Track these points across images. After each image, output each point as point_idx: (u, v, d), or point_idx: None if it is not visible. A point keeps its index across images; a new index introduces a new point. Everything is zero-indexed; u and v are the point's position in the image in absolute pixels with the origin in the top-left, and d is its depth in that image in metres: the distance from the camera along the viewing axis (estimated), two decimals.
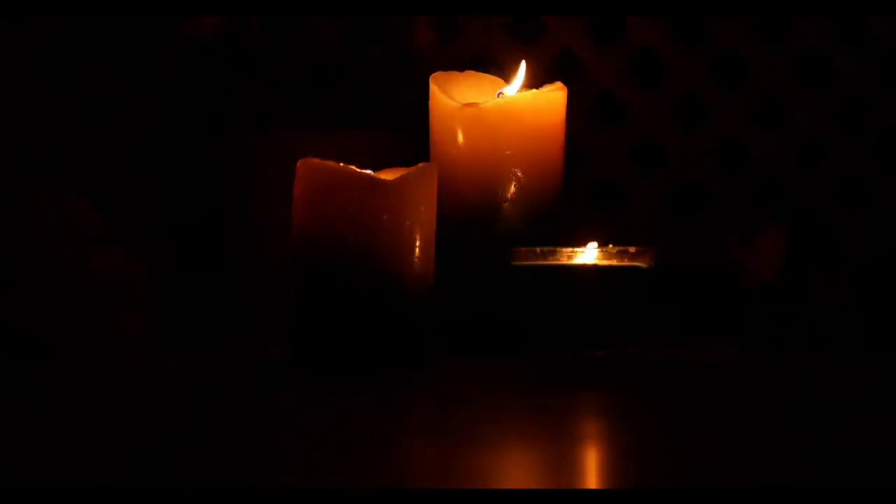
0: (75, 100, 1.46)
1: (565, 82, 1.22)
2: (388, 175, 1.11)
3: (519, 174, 1.19)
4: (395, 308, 1.08)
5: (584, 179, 1.50)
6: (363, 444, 0.78)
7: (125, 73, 1.45)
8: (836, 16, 1.48)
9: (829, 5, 1.46)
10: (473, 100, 1.21)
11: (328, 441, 0.79)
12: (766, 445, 0.77)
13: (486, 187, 1.19)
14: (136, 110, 1.46)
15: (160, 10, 1.40)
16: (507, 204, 1.19)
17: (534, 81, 1.22)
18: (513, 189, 1.19)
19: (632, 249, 1.07)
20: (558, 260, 1.07)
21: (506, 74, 1.24)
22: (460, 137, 1.19)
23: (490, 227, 1.19)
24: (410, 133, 1.28)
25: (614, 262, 1.06)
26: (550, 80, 1.22)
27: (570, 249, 1.07)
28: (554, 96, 1.20)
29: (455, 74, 1.24)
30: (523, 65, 1.22)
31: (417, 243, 1.09)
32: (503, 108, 1.19)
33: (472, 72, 1.24)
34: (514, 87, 1.22)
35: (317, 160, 1.09)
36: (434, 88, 1.21)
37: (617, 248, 1.07)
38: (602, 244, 1.07)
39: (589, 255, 1.07)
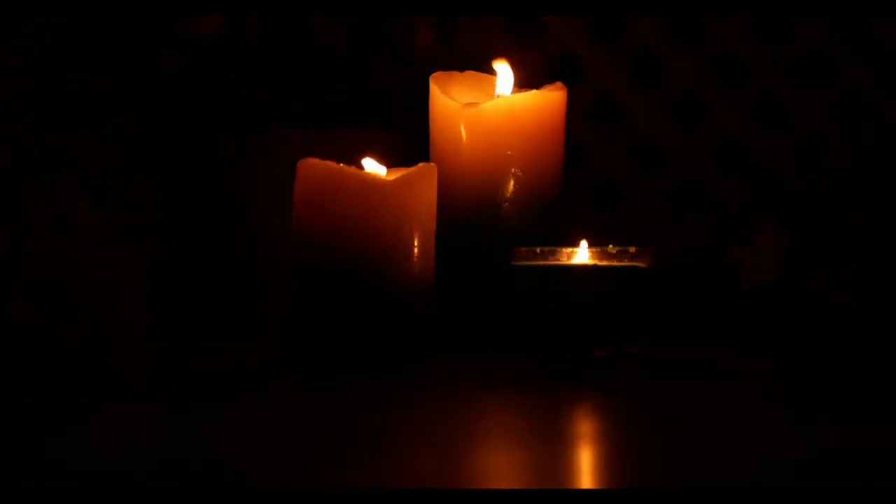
0: (75, 100, 1.46)
1: (565, 82, 1.22)
2: (388, 175, 1.11)
3: (519, 174, 1.19)
4: (394, 308, 1.08)
5: (584, 179, 1.50)
6: (363, 443, 0.78)
7: (125, 73, 1.45)
8: (836, 16, 1.48)
9: (829, 5, 1.46)
10: (473, 100, 1.21)
11: (328, 441, 0.79)
12: (766, 445, 0.77)
13: (486, 187, 1.19)
14: (136, 110, 1.46)
15: (160, 10, 1.40)
16: (507, 204, 1.19)
17: (534, 81, 1.22)
18: (513, 189, 1.19)
19: (632, 249, 1.07)
20: (558, 260, 1.07)
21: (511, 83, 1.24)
22: (460, 137, 1.19)
23: (490, 227, 1.19)
24: (410, 133, 1.28)
25: (614, 262, 1.06)
26: (550, 80, 1.22)
27: (570, 249, 1.07)
28: (554, 96, 1.20)
29: (455, 74, 1.24)
30: (503, 64, 1.22)
31: (417, 243, 1.09)
32: (503, 108, 1.19)
33: (472, 72, 1.24)
34: (507, 86, 1.22)
35: (317, 160, 1.09)
36: (434, 88, 1.21)
37: (617, 248, 1.07)
38: (598, 244, 1.07)
39: (581, 254, 1.07)
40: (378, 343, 1.08)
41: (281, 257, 1.21)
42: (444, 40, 1.50)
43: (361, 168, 1.12)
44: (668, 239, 1.48)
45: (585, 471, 0.72)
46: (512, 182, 1.19)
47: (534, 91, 1.21)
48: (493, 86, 1.24)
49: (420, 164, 1.11)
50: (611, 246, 1.07)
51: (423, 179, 1.11)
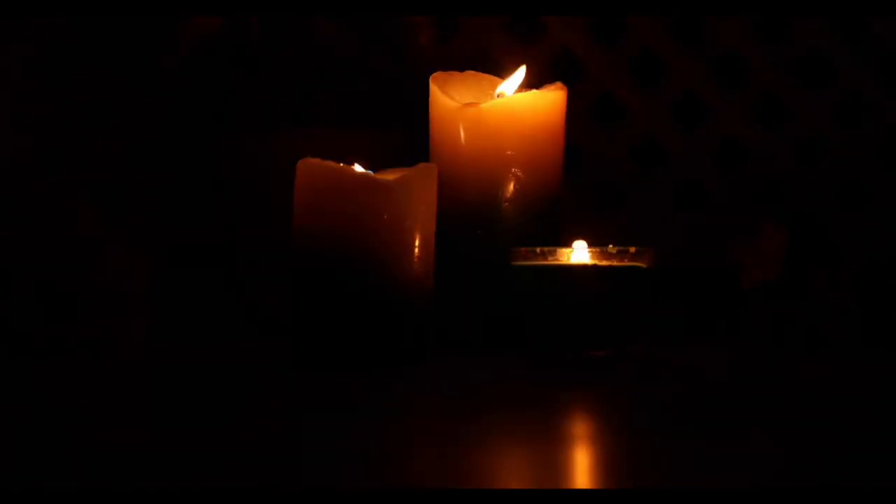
0: (76, 100, 1.46)
1: (565, 82, 1.22)
2: (388, 175, 1.11)
3: (519, 174, 1.19)
4: (394, 308, 1.08)
5: (584, 179, 1.50)
6: (363, 443, 0.78)
7: (125, 73, 1.45)
8: (836, 16, 1.48)
9: (829, 5, 1.46)
10: (473, 100, 1.21)
11: (328, 441, 0.79)
12: (765, 445, 0.77)
13: (486, 187, 1.19)
14: (136, 110, 1.46)
15: (160, 10, 1.40)
16: (507, 204, 1.19)
17: (534, 81, 1.22)
18: (513, 189, 1.19)
19: (632, 249, 1.07)
20: (558, 260, 1.07)
21: (506, 74, 1.24)
22: (460, 137, 1.19)
23: (490, 227, 1.19)
24: (410, 133, 1.28)
25: (614, 262, 1.06)
26: (550, 80, 1.22)
27: (570, 249, 1.07)
28: (554, 96, 1.20)
29: (455, 74, 1.24)
30: (523, 69, 1.22)
31: (417, 243, 1.09)
32: (503, 108, 1.19)
33: (472, 72, 1.24)
34: (512, 87, 1.22)
35: (317, 160, 1.09)
36: (434, 88, 1.21)
37: (617, 248, 1.07)
38: (598, 244, 1.07)
39: (581, 254, 1.07)
40: (378, 343, 1.08)
41: (281, 257, 1.21)
42: (444, 40, 1.50)
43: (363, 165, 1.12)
44: (668, 239, 1.48)
45: (585, 471, 0.72)
46: (512, 182, 1.19)
47: (534, 91, 1.21)
48: (493, 86, 1.24)
49: (420, 164, 1.11)
50: (611, 246, 1.07)
51: (423, 179, 1.11)
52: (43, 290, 1.21)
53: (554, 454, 0.75)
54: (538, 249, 1.08)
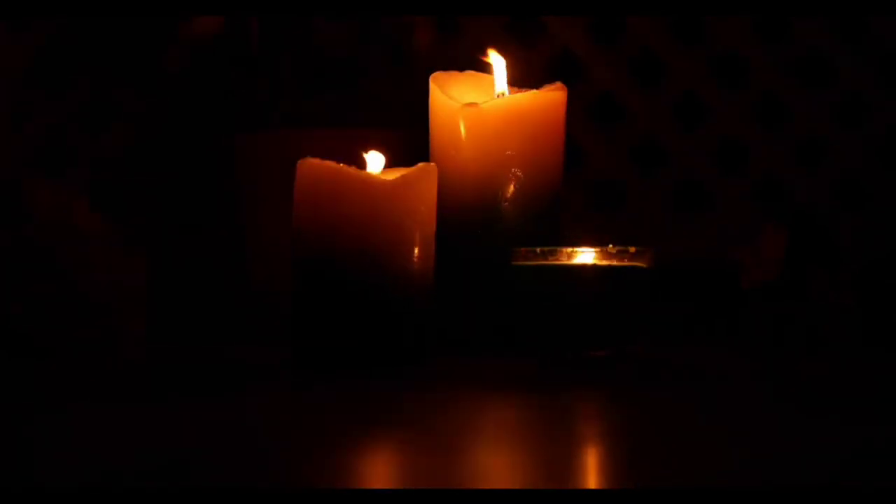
0: (75, 100, 1.46)
1: (565, 82, 1.22)
2: (388, 175, 1.11)
3: (519, 174, 1.19)
4: (394, 308, 1.08)
5: (584, 179, 1.50)
6: (363, 443, 0.78)
7: (125, 73, 1.45)
8: (836, 16, 1.48)
9: (829, 5, 1.46)
10: (473, 100, 1.21)
11: (328, 441, 0.79)
12: (765, 445, 0.77)
13: (486, 187, 1.19)
14: (136, 110, 1.46)
15: (160, 10, 1.40)
16: (507, 204, 1.19)
17: (534, 81, 1.22)
18: (513, 189, 1.19)
19: (632, 249, 1.07)
20: (558, 260, 1.07)
21: (506, 74, 1.24)
22: (460, 137, 1.19)
23: (490, 227, 1.19)
24: (410, 133, 1.28)
25: (614, 262, 1.06)
26: (550, 80, 1.22)
27: (570, 249, 1.07)
28: (554, 96, 1.20)
29: (455, 74, 1.24)
30: (495, 58, 1.21)
31: (417, 243, 1.09)
32: (503, 108, 1.19)
33: (472, 72, 1.24)
34: (503, 81, 1.22)
35: (317, 160, 1.09)
36: (434, 88, 1.21)
37: (617, 248, 1.07)
38: (598, 244, 1.07)
39: (581, 254, 1.07)
40: (378, 343, 1.08)
41: (281, 257, 1.21)
42: (444, 40, 1.50)
43: (365, 163, 1.12)
44: (668, 239, 1.48)
45: (585, 471, 0.72)
46: (512, 182, 1.19)
47: (534, 91, 1.21)
48: (493, 86, 1.24)
49: (420, 164, 1.11)
50: (611, 246, 1.07)
51: (423, 179, 1.11)
52: (43, 290, 1.21)
53: (553, 454, 0.75)
54: (538, 249, 1.08)
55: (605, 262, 1.06)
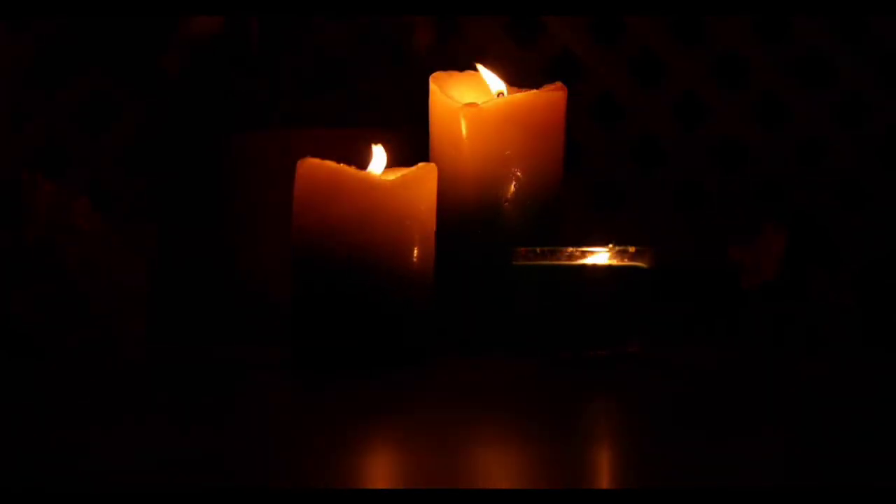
0: (75, 100, 1.46)
1: (565, 82, 1.22)
2: (388, 175, 1.11)
3: (519, 174, 1.19)
4: (394, 308, 1.08)
5: (584, 179, 1.50)
6: (363, 443, 0.78)
7: (125, 73, 1.45)
8: (836, 16, 1.48)
9: (829, 5, 1.46)
10: (473, 100, 1.21)
11: (328, 441, 0.79)
12: (766, 445, 0.77)
13: (486, 187, 1.19)
14: (136, 110, 1.46)
15: (160, 10, 1.40)
16: (507, 204, 1.19)
17: (534, 81, 1.22)
18: (513, 189, 1.19)
19: (632, 249, 1.07)
20: (558, 260, 1.07)
21: (506, 74, 1.24)
22: (460, 137, 1.19)
23: (490, 227, 1.19)
24: (410, 133, 1.28)
25: (614, 262, 1.06)
26: (550, 80, 1.22)
27: (570, 249, 1.07)
28: (554, 96, 1.20)
29: (455, 74, 1.24)
30: (480, 67, 1.22)
31: (417, 243, 1.09)
32: (503, 108, 1.19)
33: (473, 72, 1.24)
34: (499, 85, 1.22)
35: (317, 160, 1.09)
36: (434, 88, 1.21)
37: (617, 248, 1.07)
38: (598, 244, 1.07)
39: (581, 254, 1.07)
40: (378, 343, 1.08)
41: (280, 257, 1.21)
42: (444, 40, 1.50)
43: (370, 157, 1.12)
44: (668, 239, 1.48)
45: (585, 471, 0.72)
46: (512, 182, 1.19)
47: (534, 91, 1.20)
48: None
49: (420, 164, 1.11)
50: (611, 246, 1.07)
51: (423, 179, 1.11)
52: (43, 290, 1.21)
53: (553, 454, 0.75)
54: (538, 249, 1.08)
55: (605, 263, 1.06)
